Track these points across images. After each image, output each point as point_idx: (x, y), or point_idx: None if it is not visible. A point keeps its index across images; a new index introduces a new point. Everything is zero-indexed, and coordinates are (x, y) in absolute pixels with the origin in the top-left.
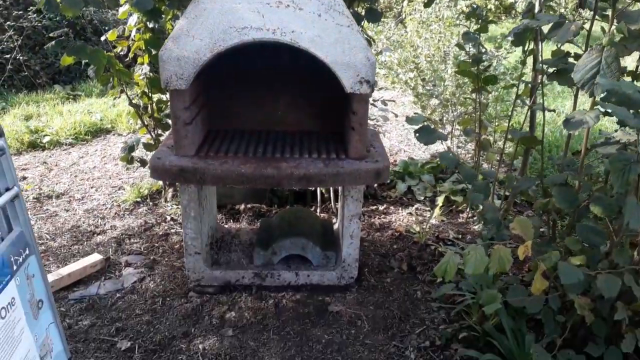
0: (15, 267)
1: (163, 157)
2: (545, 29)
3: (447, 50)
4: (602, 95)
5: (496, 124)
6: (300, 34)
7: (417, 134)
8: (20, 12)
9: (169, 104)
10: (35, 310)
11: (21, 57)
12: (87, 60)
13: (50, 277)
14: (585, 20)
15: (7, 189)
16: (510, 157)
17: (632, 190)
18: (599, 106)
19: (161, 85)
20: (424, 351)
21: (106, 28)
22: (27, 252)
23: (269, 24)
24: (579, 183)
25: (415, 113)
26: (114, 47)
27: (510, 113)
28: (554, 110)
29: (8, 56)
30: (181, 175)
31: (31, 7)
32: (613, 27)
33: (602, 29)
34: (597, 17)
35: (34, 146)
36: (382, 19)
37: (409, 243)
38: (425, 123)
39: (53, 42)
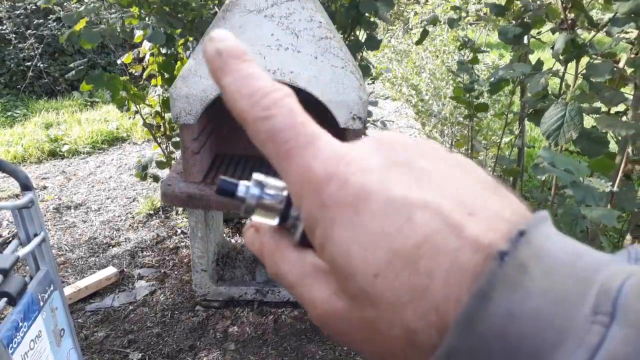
0: (42, 303)
1: (173, 184)
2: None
3: (449, 66)
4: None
5: (492, 140)
6: (298, 74)
7: None
8: (41, 20)
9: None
10: (58, 339)
11: (41, 65)
12: (104, 88)
13: (69, 290)
14: (558, 71)
15: (35, 235)
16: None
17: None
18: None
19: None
20: None
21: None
22: (52, 288)
23: (270, 65)
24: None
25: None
26: (129, 71)
27: (500, 139)
28: (533, 146)
29: (29, 63)
30: (189, 201)
31: (51, 15)
32: (578, 81)
33: (567, 84)
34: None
35: (53, 155)
36: (391, 27)
37: None
38: None
39: (74, 72)
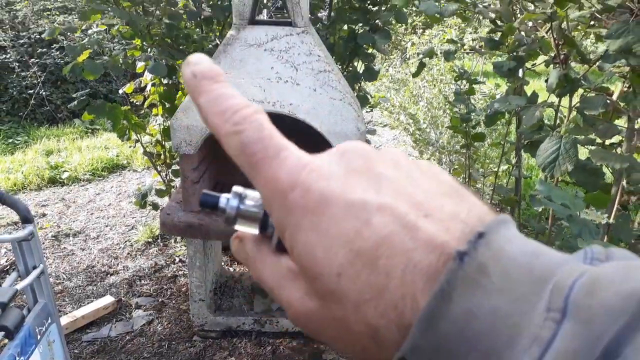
0: (39, 337)
1: (172, 213)
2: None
3: (446, 95)
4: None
5: (490, 168)
6: (297, 106)
7: None
8: (44, 49)
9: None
10: None
11: (44, 92)
12: (106, 117)
13: (65, 319)
14: (553, 103)
15: (34, 267)
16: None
17: None
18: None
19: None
20: None
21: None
22: (49, 321)
23: (269, 97)
24: None
25: None
26: (131, 100)
27: (497, 167)
28: (530, 177)
29: (32, 91)
30: (188, 230)
31: (54, 45)
32: (572, 114)
33: (561, 119)
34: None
35: (53, 182)
36: (389, 57)
37: None
38: None
39: (76, 102)
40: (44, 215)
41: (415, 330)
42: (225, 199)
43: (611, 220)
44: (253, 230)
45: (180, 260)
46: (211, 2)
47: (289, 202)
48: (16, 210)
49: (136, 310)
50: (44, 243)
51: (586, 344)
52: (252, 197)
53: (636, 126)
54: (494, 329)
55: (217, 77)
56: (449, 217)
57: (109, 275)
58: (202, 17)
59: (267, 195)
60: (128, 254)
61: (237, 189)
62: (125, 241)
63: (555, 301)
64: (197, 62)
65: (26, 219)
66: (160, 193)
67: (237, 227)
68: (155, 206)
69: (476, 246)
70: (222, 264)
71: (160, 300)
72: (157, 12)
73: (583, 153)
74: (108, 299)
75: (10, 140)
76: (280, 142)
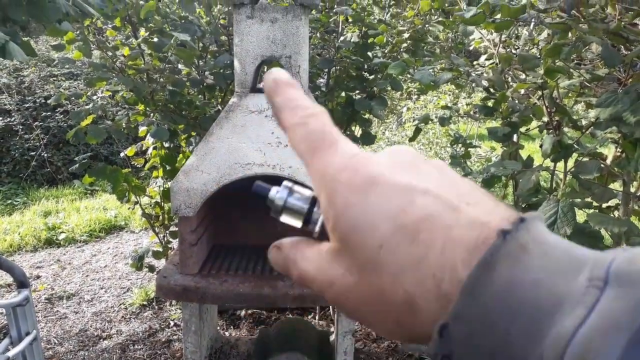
0: None
1: (168, 276)
2: None
3: (442, 157)
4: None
5: None
6: (297, 169)
7: None
8: (49, 112)
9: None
10: None
11: (45, 154)
12: (106, 180)
13: None
14: (548, 167)
15: (27, 333)
16: None
17: None
18: None
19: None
20: None
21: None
22: None
23: (269, 161)
24: None
25: None
26: (132, 163)
27: None
28: None
29: (33, 153)
30: (184, 294)
31: (59, 108)
32: (568, 178)
33: (557, 182)
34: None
35: (50, 243)
36: (386, 121)
37: (404, 356)
38: None
39: (77, 165)
40: (38, 277)
41: (460, 297)
42: (275, 191)
43: None
44: (297, 224)
45: (175, 324)
46: (214, 71)
47: (337, 183)
48: (12, 275)
49: None
50: (36, 306)
51: (630, 305)
52: (300, 192)
53: (632, 189)
54: (536, 298)
55: (293, 84)
56: (490, 208)
57: (101, 340)
58: (205, 84)
59: (319, 177)
60: (122, 317)
61: (287, 182)
62: (120, 304)
63: (597, 272)
64: (277, 72)
65: (22, 284)
66: (157, 255)
67: (282, 219)
68: (151, 268)
69: (518, 228)
70: (218, 328)
71: None
72: (161, 79)
73: (581, 216)
74: None
75: (9, 201)
76: (338, 136)
